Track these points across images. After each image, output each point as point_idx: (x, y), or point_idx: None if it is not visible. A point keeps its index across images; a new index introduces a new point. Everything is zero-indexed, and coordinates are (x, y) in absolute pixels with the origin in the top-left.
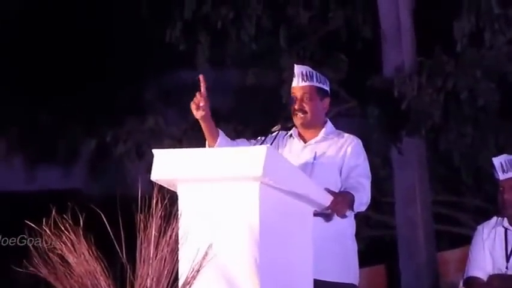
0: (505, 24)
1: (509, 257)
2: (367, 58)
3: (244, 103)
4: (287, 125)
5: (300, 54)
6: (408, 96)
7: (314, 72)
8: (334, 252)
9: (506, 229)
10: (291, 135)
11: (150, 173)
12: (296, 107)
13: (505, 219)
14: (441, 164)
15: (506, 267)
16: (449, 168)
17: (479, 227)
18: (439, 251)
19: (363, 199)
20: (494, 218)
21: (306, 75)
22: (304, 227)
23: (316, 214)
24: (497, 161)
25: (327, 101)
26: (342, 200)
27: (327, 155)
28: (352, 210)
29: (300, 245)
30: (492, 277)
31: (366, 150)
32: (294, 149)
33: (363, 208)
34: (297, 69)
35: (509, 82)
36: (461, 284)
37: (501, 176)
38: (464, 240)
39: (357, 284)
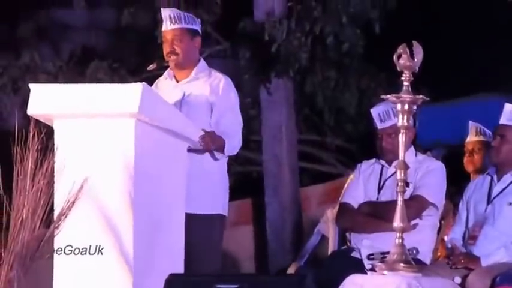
0: None
1: (381, 188)
2: (240, 1)
3: (120, 42)
4: (163, 63)
5: None
6: (278, 40)
7: (182, 14)
8: (204, 186)
9: (382, 166)
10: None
11: (26, 107)
12: (168, 49)
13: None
14: (306, 105)
15: (377, 198)
16: (313, 109)
17: (359, 165)
18: (302, 186)
19: (234, 143)
20: (374, 159)
21: (174, 18)
22: (178, 163)
23: (189, 150)
24: (375, 111)
25: (198, 40)
26: (209, 137)
27: (195, 94)
28: (223, 153)
29: (174, 180)
30: (362, 204)
31: (237, 90)
32: (166, 89)
33: (235, 152)
34: (164, 12)
35: (373, 28)
36: (328, 213)
37: (379, 125)
38: (326, 177)
39: (226, 215)
